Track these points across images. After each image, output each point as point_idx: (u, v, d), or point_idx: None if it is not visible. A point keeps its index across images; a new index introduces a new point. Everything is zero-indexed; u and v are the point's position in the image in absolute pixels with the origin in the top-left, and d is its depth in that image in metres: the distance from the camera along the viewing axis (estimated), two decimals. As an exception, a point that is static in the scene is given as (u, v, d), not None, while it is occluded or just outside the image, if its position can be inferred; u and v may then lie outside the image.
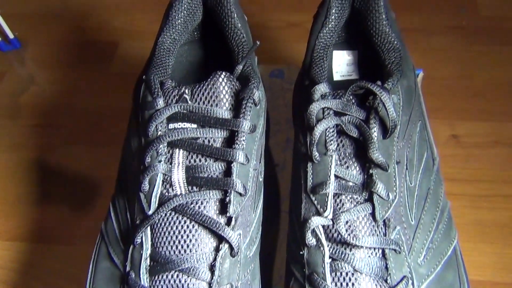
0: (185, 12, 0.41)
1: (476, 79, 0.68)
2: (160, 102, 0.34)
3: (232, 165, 0.33)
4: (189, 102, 0.34)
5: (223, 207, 0.33)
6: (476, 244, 0.51)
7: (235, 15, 0.40)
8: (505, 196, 0.56)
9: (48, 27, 0.80)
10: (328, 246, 0.32)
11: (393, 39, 0.39)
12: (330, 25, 0.40)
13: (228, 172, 0.33)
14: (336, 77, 0.46)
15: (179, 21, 0.41)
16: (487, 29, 0.73)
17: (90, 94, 0.71)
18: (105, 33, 0.79)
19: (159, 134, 0.34)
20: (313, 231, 0.32)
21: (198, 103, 0.34)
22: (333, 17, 0.40)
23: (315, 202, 0.33)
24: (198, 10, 0.42)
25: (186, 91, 0.35)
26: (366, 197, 0.33)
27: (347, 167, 0.34)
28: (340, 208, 0.33)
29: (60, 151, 0.64)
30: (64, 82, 0.73)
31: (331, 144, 0.33)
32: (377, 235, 0.32)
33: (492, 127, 0.62)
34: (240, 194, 0.33)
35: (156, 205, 0.33)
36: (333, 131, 0.33)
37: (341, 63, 0.46)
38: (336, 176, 0.33)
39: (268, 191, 0.41)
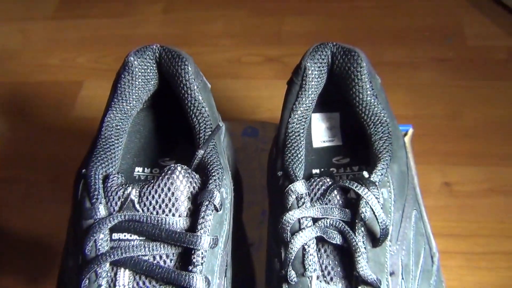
0: (137, 82, 0.34)
1: (466, 117, 0.62)
2: (101, 210, 0.27)
3: None
4: (137, 206, 0.28)
5: None
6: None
7: (195, 87, 0.33)
8: (505, 253, 0.50)
9: (4, 65, 0.73)
10: None
11: (379, 111, 0.33)
12: (306, 97, 0.33)
13: None
14: (316, 143, 0.39)
15: (131, 92, 0.34)
16: (475, 61, 0.67)
17: (51, 142, 0.64)
18: (69, 71, 0.72)
19: (99, 251, 0.27)
20: None
21: (148, 209, 0.27)
22: (309, 85, 0.34)
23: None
24: (153, 78, 0.35)
25: (134, 191, 0.28)
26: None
27: (332, 280, 0.27)
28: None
29: (17, 209, 0.57)
30: (22, 129, 0.66)
31: (310, 263, 0.27)
32: None
33: (485, 173, 0.57)
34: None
35: None
36: (313, 246, 0.27)
37: (321, 127, 0.39)
38: (319, 297, 0.27)
39: (241, 275, 0.34)
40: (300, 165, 0.31)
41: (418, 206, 0.32)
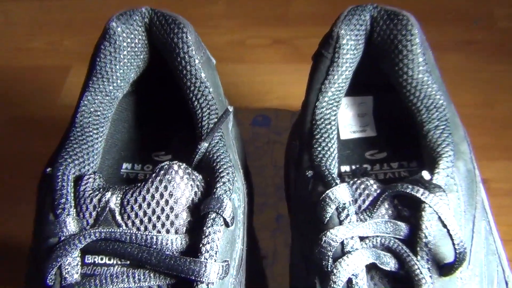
0: (121, 55, 0.26)
1: (499, 106, 0.55)
2: (69, 224, 0.20)
3: None
4: (118, 218, 0.20)
5: None
6: None
7: (196, 62, 0.25)
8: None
9: (-16, 50, 0.65)
10: None
11: (434, 92, 0.25)
12: (339, 74, 0.26)
13: None
14: (345, 134, 0.32)
15: (114, 68, 0.26)
16: (505, 44, 0.60)
17: (33, 134, 0.56)
18: (54, 55, 0.64)
19: (65, 281, 0.19)
20: None
21: (133, 223, 0.20)
22: (343, 59, 0.26)
23: None
24: (143, 51, 0.27)
25: (114, 199, 0.20)
26: None
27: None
28: None
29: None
30: (1, 120, 0.59)
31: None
32: None
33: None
34: None
35: None
36: (362, 276, 0.19)
37: (350, 115, 0.32)
38: None
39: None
40: (333, 162, 0.23)
41: (486, 215, 0.25)
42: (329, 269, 0.19)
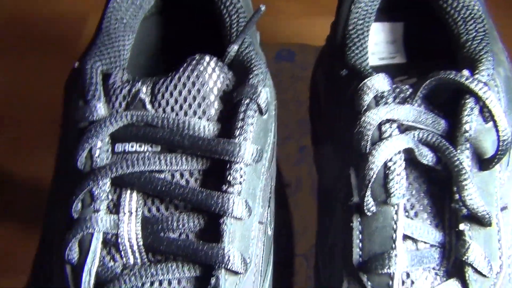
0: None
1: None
2: (99, 109, 0.19)
3: (222, 221, 0.18)
4: (148, 107, 0.20)
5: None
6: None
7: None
8: None
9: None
10: None
11: (473, 3, 0.24)
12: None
13: (214, 234, 0.18)
14: (373, 60, 0.31)
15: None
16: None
17: (50, 83, 0.56)
18: (72, 3, 0.64)
19: (96, 164, 0.19)
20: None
21: (164, 110, 0.19)
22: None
23: (370, 286, 0.19)
24: None
25: (144, 89, 0.20)
26: (451, 270, 0.19)
27: (418, 214, 0.19)
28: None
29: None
30: (17, 69, 0.58)
31: (397, 184, 0.19)
32: None
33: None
34: (236, 273, 0.19)
35: (92, 286, 0.19)
36: (400, 162, 0.19)
37: (380, 41, 0.31)
38: (404, 236, 0.19)
39: (274, 225, 0.26)
40: (367, 64, 0.23)
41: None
42: (365, 151, 0.19)
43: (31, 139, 0.50)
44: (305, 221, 0.32)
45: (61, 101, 0.24)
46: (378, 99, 0.19)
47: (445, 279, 0.19)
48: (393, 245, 0.18)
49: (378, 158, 0.18)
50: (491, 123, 0.19)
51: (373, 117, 0.19)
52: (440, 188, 0.20)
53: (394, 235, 0.18)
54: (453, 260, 0.19)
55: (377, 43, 0.31)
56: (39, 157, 0.48)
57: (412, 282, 0.19)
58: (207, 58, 0.20)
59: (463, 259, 0.18)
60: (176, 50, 0.31)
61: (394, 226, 0.19)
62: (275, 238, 0.26)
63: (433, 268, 0.19)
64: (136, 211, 0.19)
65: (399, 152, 0.19)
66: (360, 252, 0.19)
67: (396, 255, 0.18)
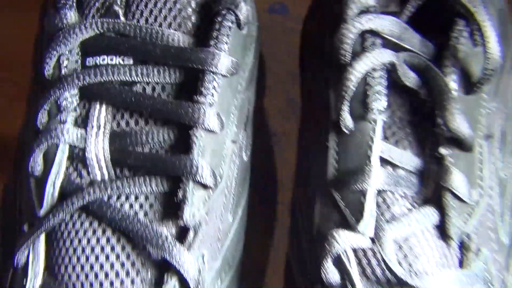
0: None
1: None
2: (70, 17, 0.19)
3: (192, 132, 0.18)
4: (121, 18, 0.19)
5: (174, 209, 0.18)
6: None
7: None
8: None
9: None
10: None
11: None
12: None
13: (184, 146, 0.18)
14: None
15: None
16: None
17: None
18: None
19: (64, 73, 0.18)
20: (337, 258, 0.17)
21: (138, 20, 0.19)
22: None
23: (342, 204, 0.18)
24: None
25: (118, 0, 0.19)
26: (429, 196, 0.18)
27: (398, 142, 0.19)
28: (384, 217, 0.18)
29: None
30: (16, 26, 0.57)
31: (376, 100, 0.18)
32: (449, 265, 0.18)
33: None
34: (205, 187, 0.18)
35: (55, 199, 0.18)
36: (380, 76, 0.18)
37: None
38: (382, 159, 0.18)
39: (258, 174, 0.26)
40: None
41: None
42: (344, 62, 0.18)
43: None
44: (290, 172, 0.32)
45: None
46: (364, 11, 0.18)
47: (422, 205, 0.18)
48: (368, 162, 0.18)
49: (358, 70, 0.17)
50: (480, 48, 0.18)
51: (354, 24, 0.18)
52: (423, 117, 0.19)
53: (370, 153, 0.18)
54: (431, 188, 0.18)
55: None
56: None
57: (388, 207, 0.18)
58: (184, -30, 0.19)
59: (444, 184, 0.18)
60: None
61: (371, 144, 0.18)
62: (256, 186, 0.26)
63: (410, 195, 0.18)
64: (105, 125, 0.18)
65: (381, 69, 0.18)
66: (335, 172, 0.18)
67: (370, 170, 0.17)
